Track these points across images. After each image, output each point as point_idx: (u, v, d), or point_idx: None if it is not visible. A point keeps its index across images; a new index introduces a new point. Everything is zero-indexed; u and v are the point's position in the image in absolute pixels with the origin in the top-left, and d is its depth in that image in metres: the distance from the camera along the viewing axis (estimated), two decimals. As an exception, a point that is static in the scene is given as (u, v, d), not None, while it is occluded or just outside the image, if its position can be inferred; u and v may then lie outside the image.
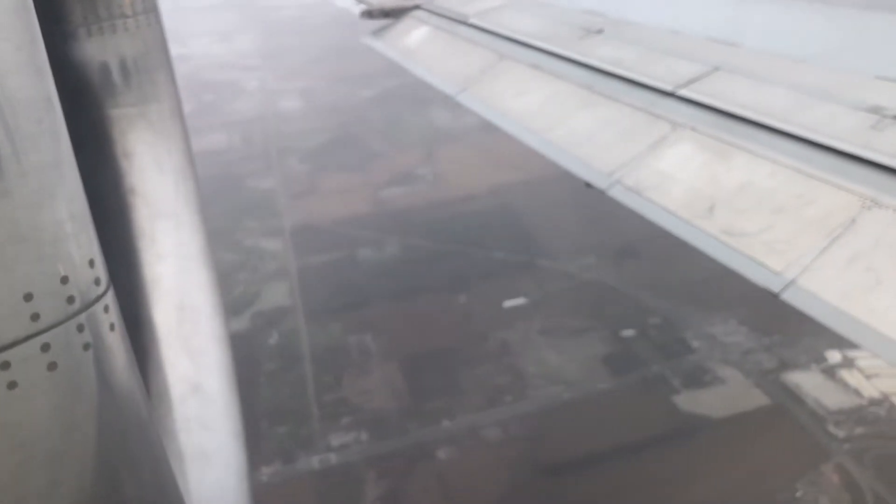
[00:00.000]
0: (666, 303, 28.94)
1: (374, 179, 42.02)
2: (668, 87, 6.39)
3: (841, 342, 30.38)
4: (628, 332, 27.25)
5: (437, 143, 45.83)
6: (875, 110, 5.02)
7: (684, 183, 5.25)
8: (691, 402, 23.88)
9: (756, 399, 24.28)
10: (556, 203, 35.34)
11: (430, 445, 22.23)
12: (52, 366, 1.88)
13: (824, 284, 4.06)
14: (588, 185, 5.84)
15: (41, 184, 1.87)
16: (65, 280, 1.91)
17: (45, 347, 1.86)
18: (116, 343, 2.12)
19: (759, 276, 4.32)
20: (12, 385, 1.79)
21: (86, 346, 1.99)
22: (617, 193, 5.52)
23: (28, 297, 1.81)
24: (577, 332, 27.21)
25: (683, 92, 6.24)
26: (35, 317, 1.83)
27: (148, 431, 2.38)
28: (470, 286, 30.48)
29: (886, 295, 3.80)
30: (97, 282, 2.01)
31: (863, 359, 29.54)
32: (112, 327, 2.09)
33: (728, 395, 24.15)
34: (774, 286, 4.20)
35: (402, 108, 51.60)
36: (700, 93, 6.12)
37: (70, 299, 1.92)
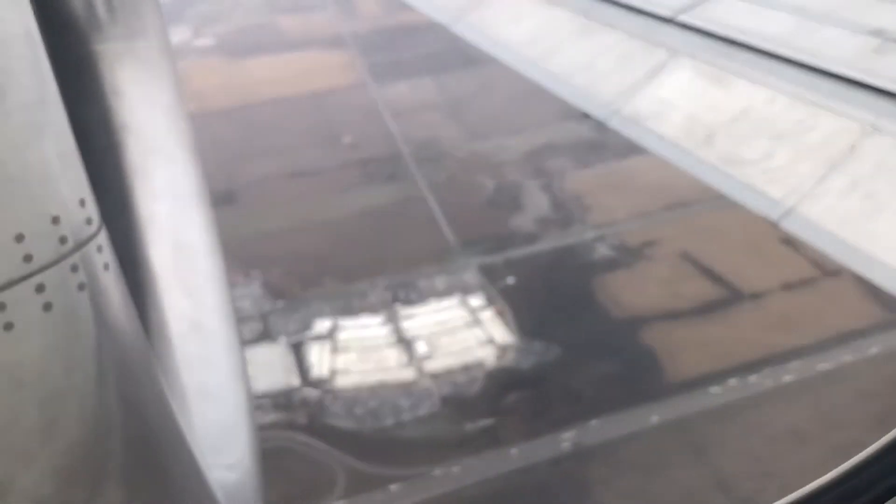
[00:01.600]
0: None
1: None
2: (667, 13, 6.28)
3: (346, 309, 31.50)
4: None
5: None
6: (877, 33, 4.94)
7: (683, 111, 5.20)
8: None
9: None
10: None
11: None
12: (47, 306, 1.87)
13: (824, 211, 4.05)
14: (586, 115, 5.79)
15: (26, 122, 1.84)
16: (56, 220, 1.89)
17: (40, 288, 1.85)
18: (111, 283, 2.11)
19: (758, 204, 4.32)
20: (8, 326, 1.79)
21: (80, 287, 1.98)
22: (616, 124, 5.47)
23: (19, 238, 1.79)
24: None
25: (682, 18, 6.13)
26: (28, 258, 1.81)
27: (148, 369, 2.39)
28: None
29: (886, 221, 3.80)
30: (89, 221, 2.00)
31: (350, 329, 30.00)
32: (106, 267, 2.08)
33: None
34: (773, 214, 4.20)
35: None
36: (699, 18, 6.01)
37: (62, 239, 1.91)
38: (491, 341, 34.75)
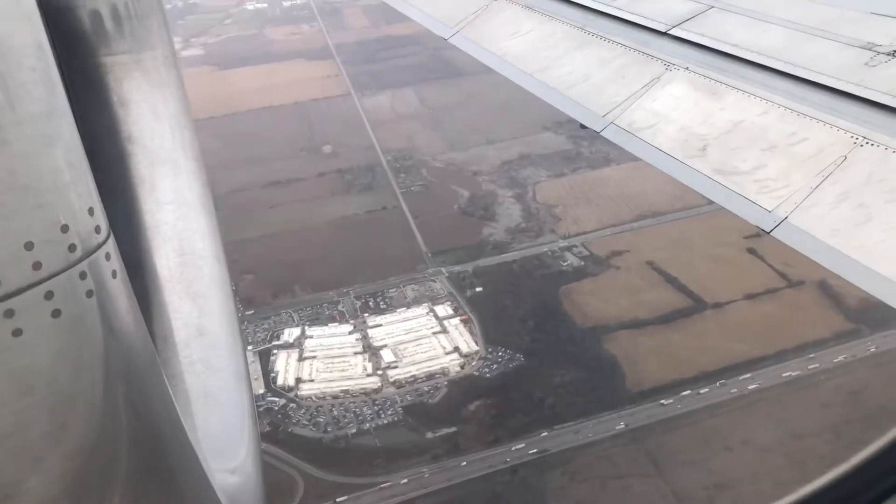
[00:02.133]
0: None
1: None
2: (662, 27, 6.34)
3: (315, 318, 31.49)
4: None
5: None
6: (869, 47, 5.00)
7: (678, 123, 5.24)
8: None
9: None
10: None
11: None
12: (56, 313, 1.90)
13: (816, 222, 4.10)
14: (583, 126, 5.84)
15: (37, 132, 1.87)
16: (65, 228, 1.92)
17: (49, 295, 1.87)
18: (119, 289, 2.14)
19: (751, 214, 4.36)
20: (17, 332, 1.82)
21: (89, 294, 2.00)
22: (611, 134, 5.52)
23: (29, 246, 1.82)
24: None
25: (677, 31, 6.19)
26: (37, 265, 1.84)
27: (153, 374, 2.42)
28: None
29: (877, 230, 3.84)
30: (97, 230, 2.03)
31: (318, 337, 30.02)
32: (114, 274, 2.11)
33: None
34: (766, 225, 4.24)
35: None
36: (694, 32, 6.07)
37: (71, 247, 1.93)
38: (456, 350, 34.76)
